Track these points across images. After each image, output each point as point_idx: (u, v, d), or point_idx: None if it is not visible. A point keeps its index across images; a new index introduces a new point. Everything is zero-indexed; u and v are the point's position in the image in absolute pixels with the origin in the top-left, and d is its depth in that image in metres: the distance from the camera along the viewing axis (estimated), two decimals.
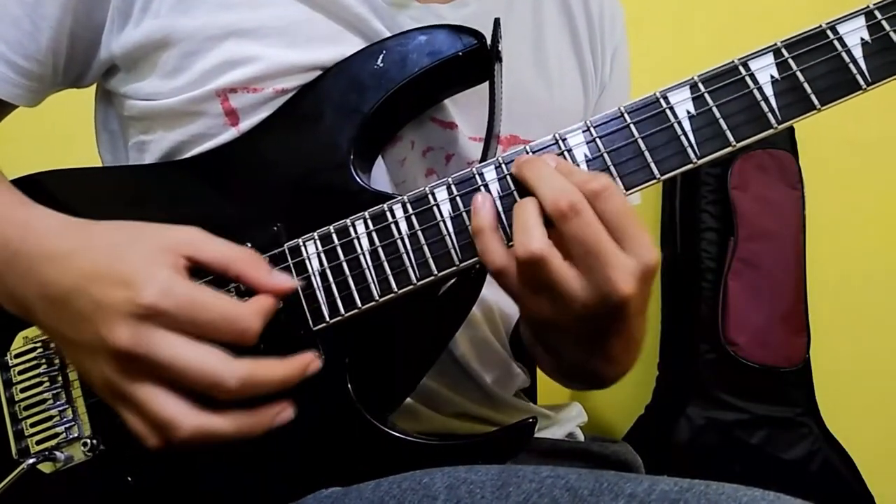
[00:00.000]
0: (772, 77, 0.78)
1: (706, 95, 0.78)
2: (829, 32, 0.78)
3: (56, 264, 0.74)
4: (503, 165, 0.80)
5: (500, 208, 0.78)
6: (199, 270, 0.74)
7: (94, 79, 0.99)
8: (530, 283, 0.74)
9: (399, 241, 0.80)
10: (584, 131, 0.79)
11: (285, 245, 0.83)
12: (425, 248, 0.80)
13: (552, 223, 0.73)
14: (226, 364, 0.70)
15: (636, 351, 0.82)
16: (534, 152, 0.79)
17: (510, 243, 0.76)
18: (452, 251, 0.79)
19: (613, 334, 0.76)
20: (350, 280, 0.81)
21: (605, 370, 0.83)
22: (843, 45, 0.77)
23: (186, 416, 0.70)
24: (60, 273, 0.74)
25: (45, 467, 0.85)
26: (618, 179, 0.78)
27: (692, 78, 0.79)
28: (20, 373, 0.87)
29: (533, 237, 0.72)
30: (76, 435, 0.85)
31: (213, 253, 0.74)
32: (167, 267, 0.71)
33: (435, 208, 0.80)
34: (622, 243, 0.71)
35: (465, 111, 0.95)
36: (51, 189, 0.92)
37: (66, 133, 1.19)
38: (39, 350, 0.87)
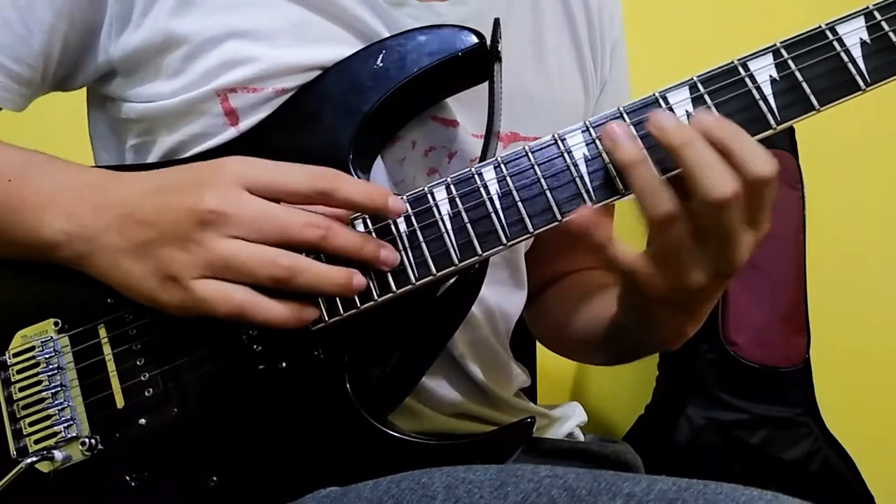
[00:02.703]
0: (771, 77, 0.78)
1: (705, 96, 0.78)
2: (828, 33, 0.78)
3: (141, 181, 0.82)
4: (502, 165, 0.80)
5: (500, 207, 0.79)
6: None
7: (83, 82, 0.98)
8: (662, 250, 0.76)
9: (397, 240, 0.80)
10: (583, 131, 0.80)
11: None
12: (424, 247, 0.80)
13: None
14: (307, 214, 0.76)
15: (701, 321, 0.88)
16: (533, 153, 0.80)
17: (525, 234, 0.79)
18: (451, 250, 0.79)
19: (707, 305, 0.84)
20: None
21: (678, 340, 0.89)
22: (843, 45, 0.77)
23: (280, 253, 0.76)
24: (138, 187, 0.81)
25: (44, 466, 0.85)
26: (617, 180, 0.78)
27: (691, 78, 0.79)
28: (19, 371, 0.87)
29: (664, 196, 0.74)
30: (75, 434, 0.85)
31: (267, 177, 0.79)
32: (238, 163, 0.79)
33: (434, 208, 0.80)
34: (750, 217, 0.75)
35: (466, 109, 0.95)
36: None
37: (62, 135, 1.19)
38: (38, 349, 0.87)
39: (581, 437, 1.14)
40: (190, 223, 0.75)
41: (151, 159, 0.94)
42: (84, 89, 1.02)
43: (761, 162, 0.72)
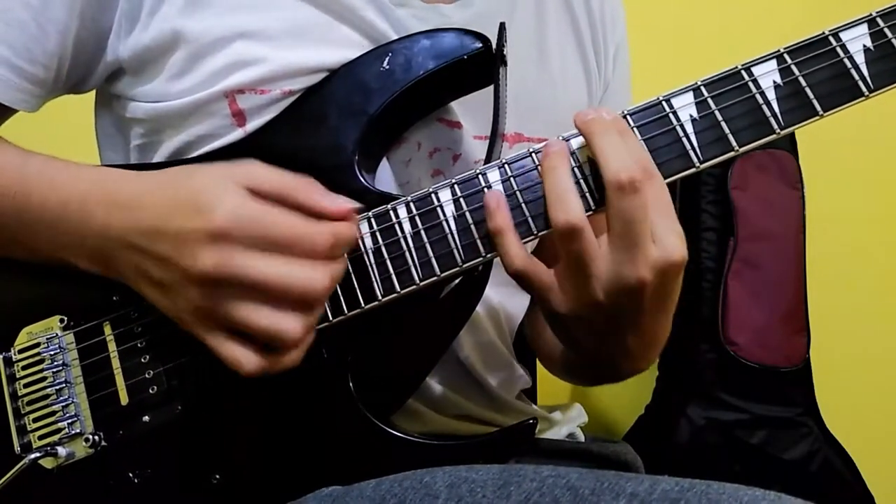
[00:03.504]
0: (774, 83, 0.78)
1: (709, 100, 0.78)
2: (831, 39, 0.78)
3: (133, 211, 0.78)
4: (506, 166, 0.80)
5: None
6: None
7: (95, 84, 0.98)
8: (563, 259, 0.75)
9: (402, 241, 0.81)
10: None
11: None
12: (428, 248, 0.80)
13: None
14: (312, 267, 0.73)
15: (654, 349, 0.83)
16: (537, 154, 0.80)
17: (529, 236, 0.77)
18: (455, 251, 0.80)
19: (629, 326, 0.78)
20: (353, 279, 0.81)
21: (620, 363, 0.84)
22: (846, 51, 0.78)
23: (290, 320, 0.73)
24: (137, 219, 0.77)
25: (47, 463, 0.85)
26: None
27: (695, 83, 0.79)
28: (24, 368, 0.87)
29: (571, 207, 0.74)
30: (78, 431, 0.85)
31: (272, 181, 0.76)
32: (232, 190, 0.74)
33: (438, 209, 0.81)
34: (654, 233, 0.73)
35: (470, 111, 0.96)
36: None
37: (68, 135, 1.19)
38: (43, 346, 0.87)
39: (581, 438, 1.14)
40: (193, 285, 0.74)
41: (157, 159, 0.94)
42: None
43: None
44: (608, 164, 0.73)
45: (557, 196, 0.75)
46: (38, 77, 0.91)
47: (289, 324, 0.73)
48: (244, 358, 0.73)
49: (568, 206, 0.74)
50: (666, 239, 0.73)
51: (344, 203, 0.77)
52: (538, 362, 1.20)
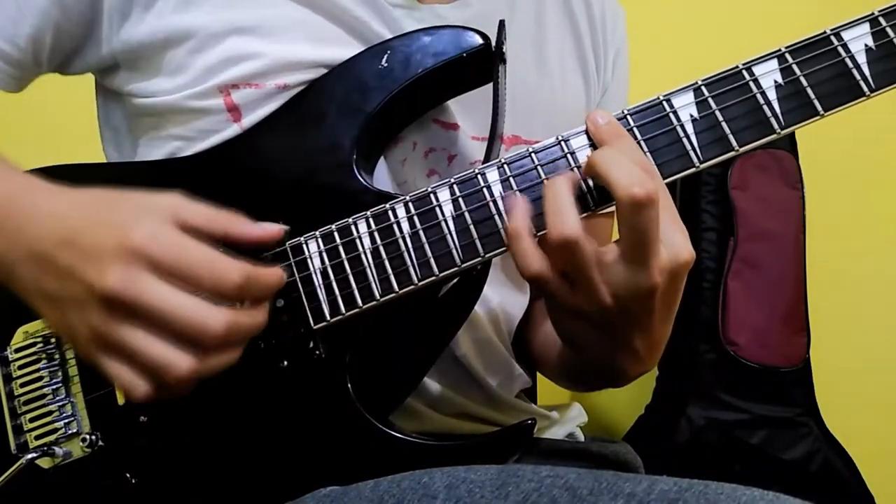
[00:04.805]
0: (775, 82, 0.78)
1: (710, 100, 0.78)
2: (833, 38, 0.78)
3: (47, 221, 0.75)
4: (505, 166, 0.80)
5: (503, 208, 0.78)
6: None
7: (83, 69, 0.99)
8: (563, 268, 0.74)
9: (401, 241, 0.81)
10: (587, 133, 0.79)
11: (287, 243, 0.83)
12: (427, 247, 0.80)
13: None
14: (210, 309, 0.70)
15: (657, 350, 0.83)
16: (536, 154, 0.79)
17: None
18: (454, 251, 0.79)
19: (637, 328, 0.77)
20: (351, 279, 0.81)
21: (626, 366, 0.83)
22: (848, 51, 0.77)
23: (181, 357, 0.70)
24: (50, 229, 0.74)
25: (44, 462, 0.85)
26: None
27: (696, 82, 0.79)
28: (20, 367, 0.87)
29: (567, 221, 0.72)
30: (75, 430, 0.85)
31: (197, 213, 0.74)
32: (156, 215, 0.72)
33: (437, 208, 0.80)
34: (663, 237, 0.72)
35: (467, 112, 0.95)
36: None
37: (69, 129, 1.19)
38: (39, 345, 0.87)
39: (581, 438, 1.14)
40: (93, 302, 0.70)
41: (157, 154, 0.95)
42: (94, 83, 1.03)
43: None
44: (619, 178, 0.71)
45: (555, 209, 0.74)
46: (13, 57, 0.93)
47: (177, 360, 0.69)
48: (133, 384, 0.70)
49: (565, 219, 0.72)
50: (674, 240, 0.73)
51: (270, 227, 0.76)
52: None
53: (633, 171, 0.71)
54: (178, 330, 0.69)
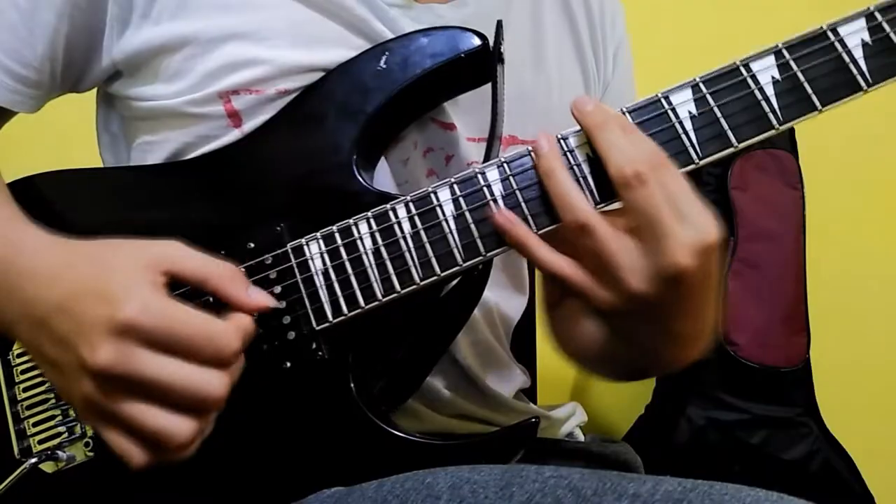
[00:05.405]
0: (773, 78, 0.78)
1: (708, 96, 0.78)
2: (830, 34, 0.78)
3: (39, 283, 0.73)
4: (505, 165, 0.80)
5: (504, 207, 0.79)
6: (177, 284, 0.72)
7: (92, 83, 0.98)
8: (584, 260, 0.74)
9: (402, 241, 0.81)
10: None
11: (288, 245, 0.83)
12: (428, 247, 0.80)
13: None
14: (210, 376, 0.68)
15: (705, 334, 0.81)
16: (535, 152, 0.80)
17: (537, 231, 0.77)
18: (455, 251, 0.79)
19: (679, 313, 0.76)
20: (353, 279, 0.81)
21: (676, 353, 0.81)
22: (844, 46, 0.78)
23: (181, 423, 0.68)
24: (43, 292, 0.72)
25: (47, 467, 0.85)
26: None
27: (694, 79, 0.79)
28: (23, 372, 0.87)
29: (576, 205, 0.73)
30: (78, 434, 0.85)
31: (192, 268, 0.72)
32: (146, 284, 0.69)
33: (438, 208, 0.80)
34: (681, 217, 0.71)
35: (464, 112, 0.95)
36: (51, 190, 0.93)
37: (66, 134, 1.20)
38: None
39: (581, 438, 1.14)
40: (87, 375, 0.68)
41: (156, 160, 0.94)
42: (95, 89, 1.02)
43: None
44: (610, 159, 0.73)
45: (561, 196, 0.74)
46: (31, 79, 0.92)
47: (178, 426, 0.68)
48: (131, 452, 0.69)
49: (573, 204, 0.73)
50: (698, 220, 0.71)
51: (263, 298, 0.75)
52: (538, 363, 1.20)
53: (628, 153, 0.72)
54: (178, 400, 0.68)
